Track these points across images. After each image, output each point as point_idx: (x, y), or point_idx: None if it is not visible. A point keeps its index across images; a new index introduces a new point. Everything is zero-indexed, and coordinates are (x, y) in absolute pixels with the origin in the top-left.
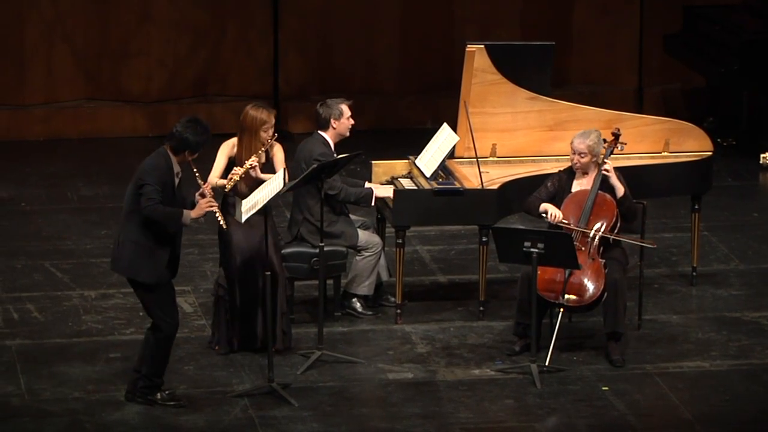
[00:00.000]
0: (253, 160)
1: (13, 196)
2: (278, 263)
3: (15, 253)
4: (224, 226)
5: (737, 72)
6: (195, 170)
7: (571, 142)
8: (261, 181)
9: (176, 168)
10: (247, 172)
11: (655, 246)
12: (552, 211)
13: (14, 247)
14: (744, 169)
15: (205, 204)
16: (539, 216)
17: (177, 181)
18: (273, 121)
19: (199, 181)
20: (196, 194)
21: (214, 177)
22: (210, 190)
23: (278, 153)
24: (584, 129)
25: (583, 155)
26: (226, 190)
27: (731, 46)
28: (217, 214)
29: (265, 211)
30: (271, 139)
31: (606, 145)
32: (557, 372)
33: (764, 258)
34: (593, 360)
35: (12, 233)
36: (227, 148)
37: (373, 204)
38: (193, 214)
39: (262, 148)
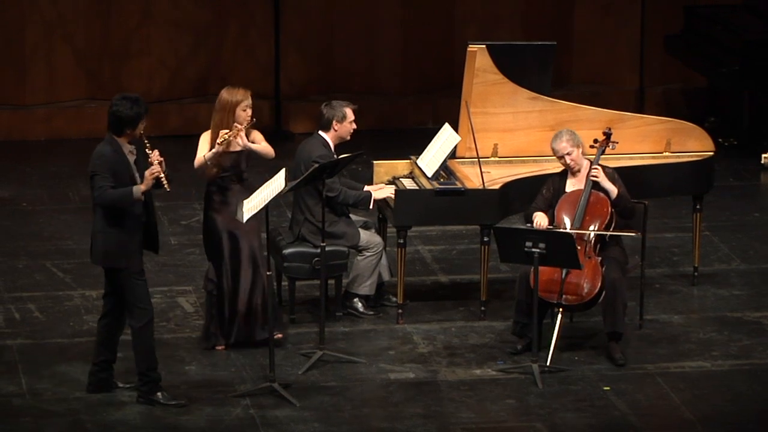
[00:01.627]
0: (237, 126)
1: (14, 196)
2: (261, 256)
3: (16, 253)
4: (167, 188)
5: (738, 72)
6: (146, 141)
7: (554, 151)
8: (243, 157)
9: (127, 148)
10: (230, 143)
11: (639, 234)
12: (537, 221)
13: (16, 247)
14: (745, 169)
15: (149, 174)
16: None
17: (132, 158)
18: (250, 100)
19: (148, 151)
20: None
21: (200, 159)
22: (158, 157)
23: (257, 136)
24: (575, 131)
25: (570, 153)
26: (219, 145)
27: (732, 46)
28: (162, 179)
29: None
30: (250, 121)
31: (597, 144)
32: (558, 372)
33: (765, 258)
34: (594, 360)
35: (13, 233)
36: (208, 136)
37: (371, 207)
38: (143, 186)
39: (242, 125)
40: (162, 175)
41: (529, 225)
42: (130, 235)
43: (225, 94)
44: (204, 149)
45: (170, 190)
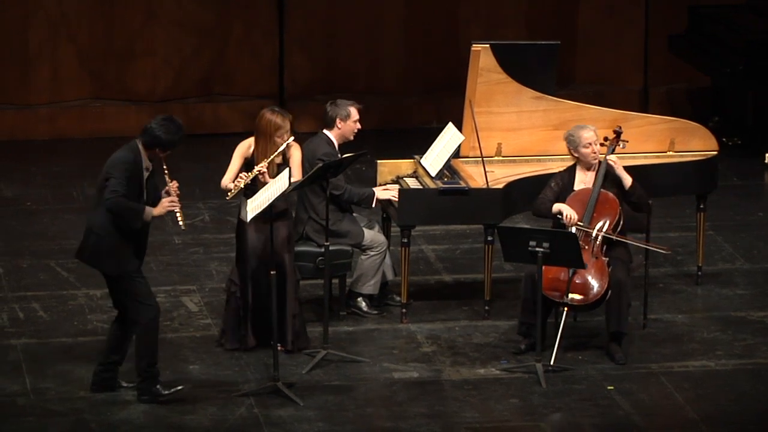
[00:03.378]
0: (262, 166)
1: (18, 196)
2: (290, 264)
3: (20, 252)
4: (183, 227)
5: (742, 72)
6: (165, 167)
7: (580, 138)
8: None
9: (146, 163)
10: (256, 178)
11: (670, 252)
12: (567, 212)
13: (20, 247)
14: (749, 168)
15: (167, 203)
16: (553, 217)
17: (146, 175)
18: (288, 126)
19: (167, 178)
20: (163, 191)
21: (228, 179)
22: (176, 189)
23: (295, 153)
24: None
25: (596, 141)
26: (228, 196)
27: (736, 46)
28: (178, 215)
29: (272, 211)
30: (286, 142)
31: (608, 143)
32: (562, 371)
33: None
34: (598, 359)
35: (17, 232)
36: (243, 149)
37: (373, 206)
38: (155, 211)
39: (276, 152)
40: (178, 210)
41: (558, 217)
42: (125, 243)
43: (267, 116)
44: (236, 161)
45: (185, 228)
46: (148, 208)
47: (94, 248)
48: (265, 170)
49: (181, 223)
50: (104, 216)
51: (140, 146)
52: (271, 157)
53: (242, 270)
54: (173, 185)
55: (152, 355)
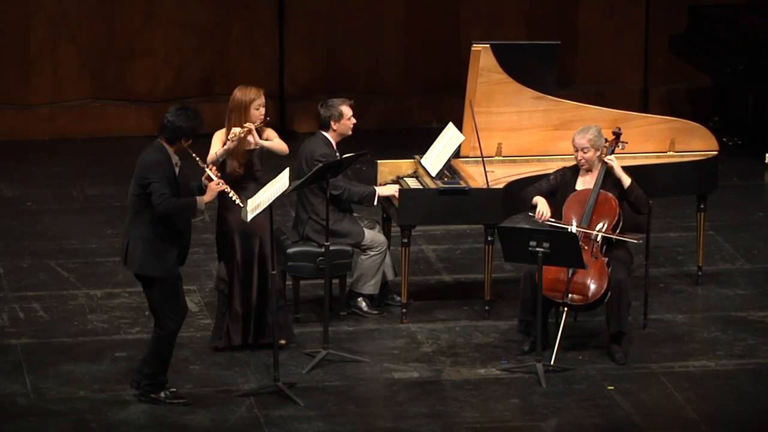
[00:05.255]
0: (249, 124)
1: (18, 196)
2: (271, 257)
3: (21, 252)
4: (240, 204)
5: (742, 72)
6: (195, 155)
7: (573, 140)
8: (256, 156)
9: (174, 159)
10: (243, 141)
11: (640, 240)
12: (540, 208)
13: (20, 247)
14: (749, 168)
15: (215, 186)
16: (530, 208)
17: (177, 170)
18: (263, 99)
19: (202, 164)
20: (203, 178)
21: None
22: (216, 172)
23: (270, 133)
24: (602, 133)
25: (585, 150)
26: (230, 142)
27: (736, 46)
28: (231, 194)
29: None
30: (263, 120)
31: (607, 144)
32: (563, 371)
33: None
34: (599, 359)
35: (18, 233)
36: (221, 135)
37: (375, 203)
38: (206, 198)
39: (255, 124)
40: (227, 188)
41: (531, 211)
42: (171, 245)
43: (238, 93)
44: (216, 147)
45: (242, 205)
46: (198, 198)
47: (143, 254)
48: (254, 127)
49: (236, 200)
50: (149, 222)
51: (165, 144)
52: (258, 122)
53: (229, 267)
54: (212, 169)
55: (163, 365)
